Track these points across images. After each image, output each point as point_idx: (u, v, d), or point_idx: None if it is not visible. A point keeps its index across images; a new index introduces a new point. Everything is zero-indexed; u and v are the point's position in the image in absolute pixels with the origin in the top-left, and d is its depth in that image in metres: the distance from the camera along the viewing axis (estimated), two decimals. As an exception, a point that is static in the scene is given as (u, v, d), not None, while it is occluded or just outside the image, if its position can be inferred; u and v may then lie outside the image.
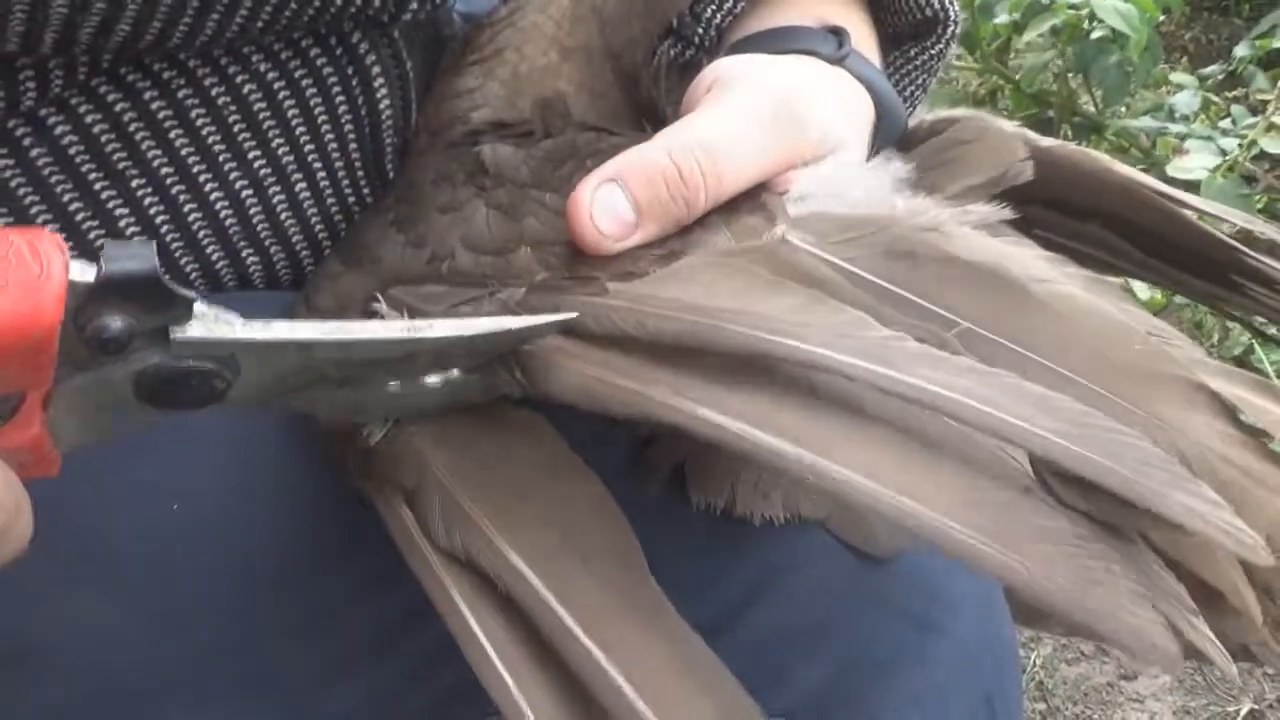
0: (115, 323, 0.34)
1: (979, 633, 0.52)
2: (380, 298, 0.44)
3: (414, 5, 0.54)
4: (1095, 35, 1.89)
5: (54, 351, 0.33)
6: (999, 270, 0.40)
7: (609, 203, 0.43)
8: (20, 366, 0.33)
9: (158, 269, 0.34)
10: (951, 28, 0.58)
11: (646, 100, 0.56)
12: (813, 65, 0.51)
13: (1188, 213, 0.48)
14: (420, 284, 0.44)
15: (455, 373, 0.41)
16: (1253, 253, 0.46)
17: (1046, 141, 0.51)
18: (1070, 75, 2.02)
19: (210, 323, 0.36)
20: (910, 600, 0.50)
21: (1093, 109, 1.96)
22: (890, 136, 0.53)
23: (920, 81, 0.60)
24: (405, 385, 0.41)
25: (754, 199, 0.45)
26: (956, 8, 0.58)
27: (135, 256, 0.34)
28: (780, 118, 0.46)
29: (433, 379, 0.41)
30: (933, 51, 0.59)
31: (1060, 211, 0.51)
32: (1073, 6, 1.91)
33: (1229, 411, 0.38)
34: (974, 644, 0.51)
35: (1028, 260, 0.41)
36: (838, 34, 0.54)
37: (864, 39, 0.56)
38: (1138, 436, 0.34)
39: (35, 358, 0.33)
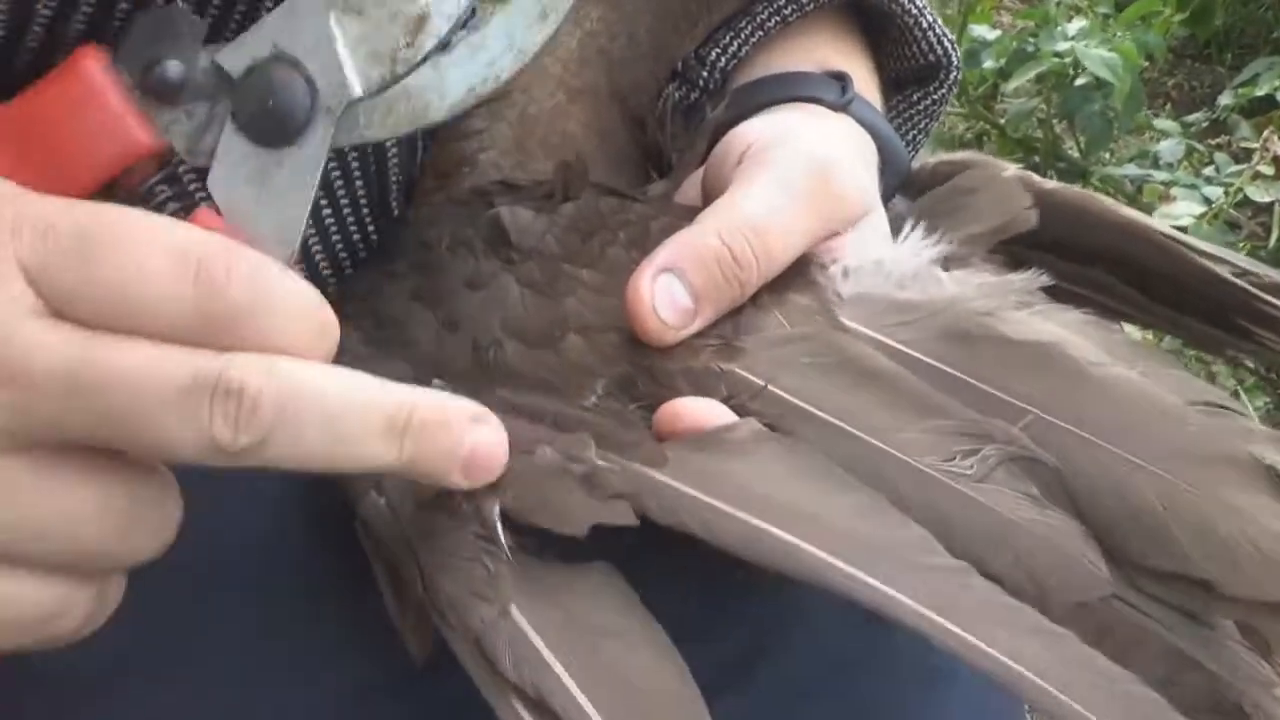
0: (171, 65, 0.37)
1: (986, 684, 0.51)
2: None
3: None
4: (1079, 82, 1.91)
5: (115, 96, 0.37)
6: (1055, 353, 0.41)
7: (669, 293, 0.43)
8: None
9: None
10: (954, 73, 0.58)
11: (652, 143, 0.56)
12: (832, 120, 0.52)
13: (1192, 255, 0.48)
14: (468, 382, 0.42)
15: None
16: (1261, 293, 0.46)
17: (1050, 184, 0.51)
18: (1055, 121, 2.04)
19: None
20: (918, 652, 0.49)
21: (1077, 155, 1.98)
22: (894, 181, 0.54)
23: (922, 126, 0.60)
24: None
25: (802, 275, 0.45)
26: (959, 53, 0.59)
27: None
28: (818, 189, 0.46)
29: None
30: (935, 96, 0.59)
31: (1063, 255, 0.51)
32: (1057, 54, 1.93)
33: None
34: (981, 696, 0.51)
35: (1081, 342, 0.42)
36: (841, 79, 0.54)
37: (866, 83, 0.57)
38: None
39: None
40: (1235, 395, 1.63)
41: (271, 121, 0.38)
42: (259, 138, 0.38)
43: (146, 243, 0.32)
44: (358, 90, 0.39)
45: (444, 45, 0.39)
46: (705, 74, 0.56)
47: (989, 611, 0.36)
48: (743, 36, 0.56)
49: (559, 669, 0.36)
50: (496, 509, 0.38)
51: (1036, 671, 0.35)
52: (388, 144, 0.55)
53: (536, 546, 0.39)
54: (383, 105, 0.39)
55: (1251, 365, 0.55)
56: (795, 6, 0.56)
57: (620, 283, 0.43)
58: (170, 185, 0.48)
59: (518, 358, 0.43)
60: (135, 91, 0.37)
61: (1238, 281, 0.47)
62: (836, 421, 0.40)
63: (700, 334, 0.43)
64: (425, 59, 0.39)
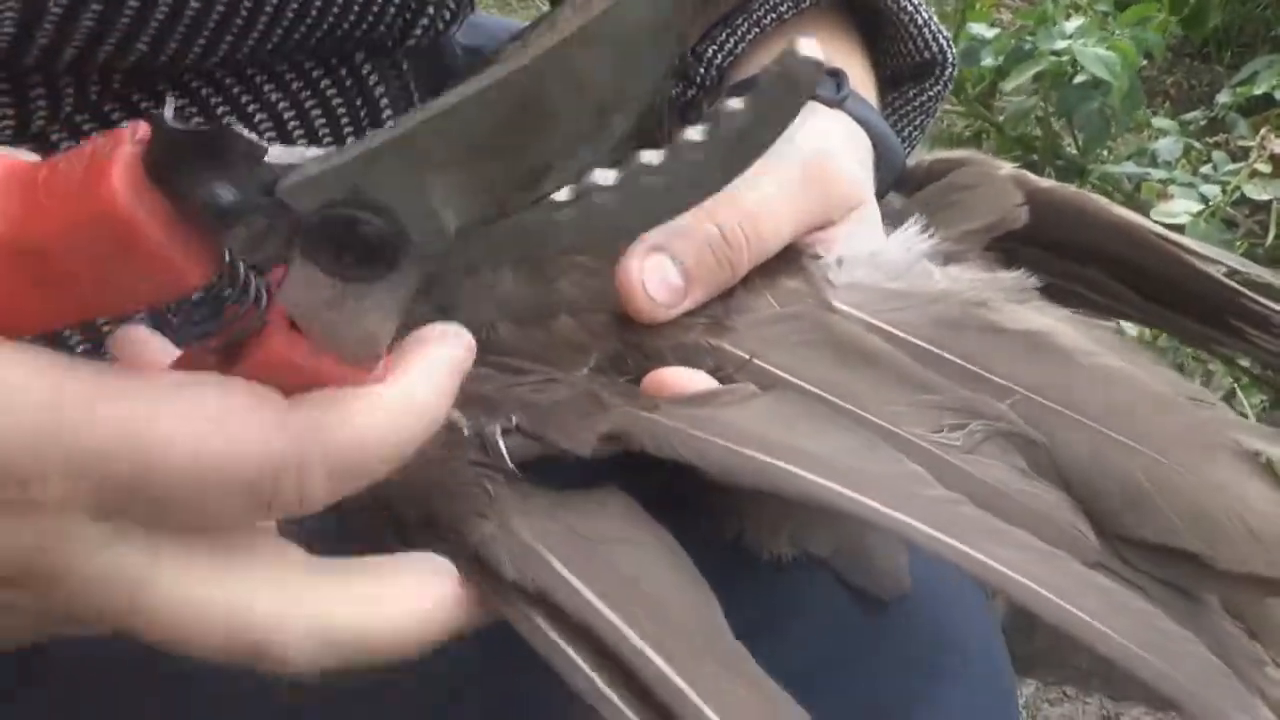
0: (222, 189, 0.29)
1: (985, 679, 0.51)
2: None
3: (418, 31, 0.55)
4: (1077, 80, 1.91)
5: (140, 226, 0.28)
6: (1046, 340, 0.42)
7: (659, 271, 0.43)
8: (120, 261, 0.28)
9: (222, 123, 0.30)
10: (950, 70, 0.58)
11: (649, 139, 0.56)
12: (827, 116, 0.52)
13: (1185, 254, 0.48)
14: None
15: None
16: (1251, 294, 0.47)
17: (1045, 183, 0.51)
18: (1053, 119, 2.04)
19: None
20: (918, 646, 0.50)
21: (1075, 153, 1.98)
22: (888, 177, 0.54)
23: (918, 123, 0.60)
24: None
25: (792, 262, 0.46)
26: (954, 50, 0.59)
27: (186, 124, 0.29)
28: (811, 179, 0.47)
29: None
30: (931, 93, 0.60)
31: (1058, 254, 0.51)
32: (1055, 53, 1.93)
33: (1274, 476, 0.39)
34: (981, 690, 0.51)
35: (1071, 332, 0.42)
36: (836, 76, 0.54)
37: (862, 80, 0.57)
38: (1196, 642, 0.35)
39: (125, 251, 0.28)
40: (1232, 393, 1.64)
41: (350, 262, 0.31)
42: (335, 272, 0.31)
43: (211, 484, 0.29)
44: (453, 228, 0.31)
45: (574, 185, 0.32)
46: (702, 71, 0.57)
47: (989, 534, 0.36)
48: (739, 34, 0.56)
49: (561, 568, 0.36)
50: (498, 430, 0.39)
51: (1042, 585, 0.35)
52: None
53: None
54: (486, 236, 0.32)
55: (1246, 364, 0.55)
56: (791, 4, 0.56)
57: (612, 266, 0.44)
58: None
59: (510, 337, 0.44)
60: (179, 218, 0.29)
61: (1229, 281, 0.47)
62: (824, 394, 0.41)
63: (690, 313, 0.44)
64: (539, 200, 0.32)
